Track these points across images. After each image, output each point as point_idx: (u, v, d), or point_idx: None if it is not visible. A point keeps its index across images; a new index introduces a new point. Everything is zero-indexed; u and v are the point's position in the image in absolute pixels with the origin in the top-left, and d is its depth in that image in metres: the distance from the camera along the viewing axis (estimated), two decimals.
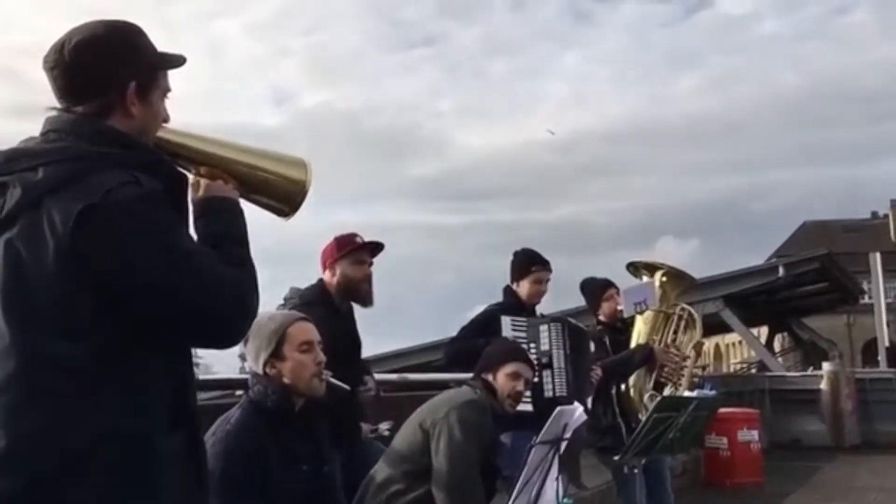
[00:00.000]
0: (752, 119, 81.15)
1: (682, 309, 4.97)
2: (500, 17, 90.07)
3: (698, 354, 4.99)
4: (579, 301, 5.66)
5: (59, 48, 1.72)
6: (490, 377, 3.66)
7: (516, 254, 4.83)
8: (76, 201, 1.56)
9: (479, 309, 4.80)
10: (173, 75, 1.85)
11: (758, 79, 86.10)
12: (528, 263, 4.74)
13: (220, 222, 1.77)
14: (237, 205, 1.83)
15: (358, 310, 4.10)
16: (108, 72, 1.72)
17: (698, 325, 4.95)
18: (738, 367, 29.40)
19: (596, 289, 5.27)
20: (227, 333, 1.70)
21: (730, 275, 15.83)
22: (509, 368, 3.67)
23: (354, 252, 3.95)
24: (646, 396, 4.81)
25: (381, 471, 3.45)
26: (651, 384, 4.85)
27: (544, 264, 4.76)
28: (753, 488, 9.76)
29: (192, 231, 1.76)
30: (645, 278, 5.05)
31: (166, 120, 1.84)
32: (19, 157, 1.67)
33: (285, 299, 4.04)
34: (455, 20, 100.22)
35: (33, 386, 1.57)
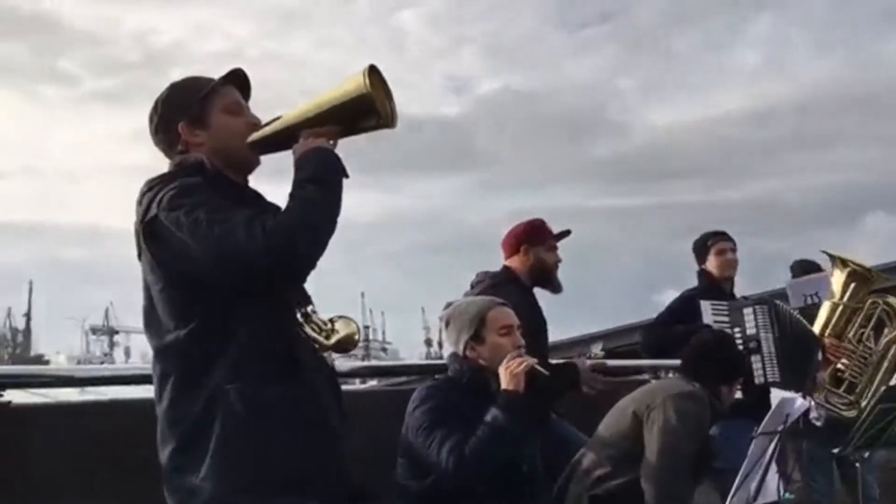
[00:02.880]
0: None
1: (874, 303, 4.50)
2: None
3: None
4: (776, 283, 5.45)
5: None
6: (715, 388, 3.47)
7: (695, 240, 4.82)
8: (144, 221, 1.95)
9: (669, 293, 4.84)
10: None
11: None
12: (705, 240, 4.75)
13: (299, 172, 1.96)
14: (317, 150, 1.98)
15: (542, 295, 4.05)
16: (164, 128, 2.11)
17: None
18: None
19: (808, 268, 5.05)
20: (251, 279, 1.87)
21: None
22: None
23: (549, 238, 3.96)
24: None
25: (586, 456, 3.37)
26: (826, 376, 4.47)
27: (721, 235, 4.74)
28: None
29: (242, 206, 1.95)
30: (836, 271, 4.67)
31: (256, 123, 2.10)
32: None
33: (472, 284, 4.01)
34: None
35: (161, 370, 1.96)
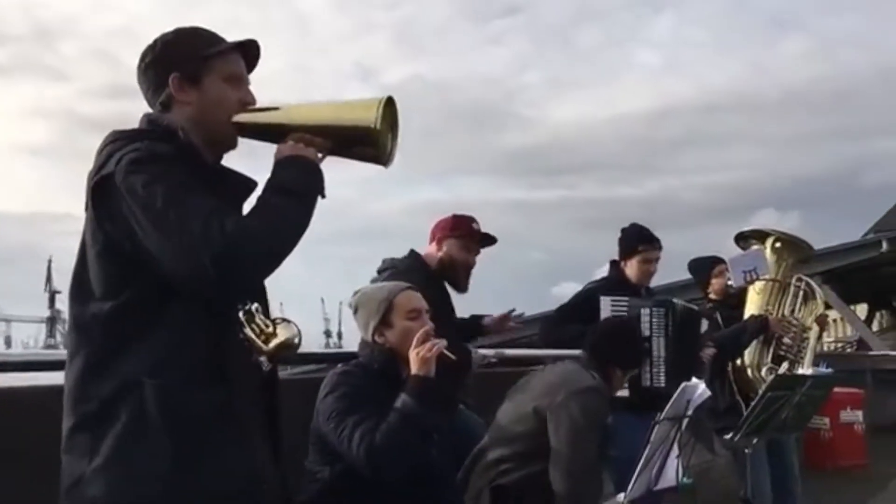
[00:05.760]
0: (861, 86, 78.01)
1: (799, 280, 4.80)
2: None
3: (822, 328, 4.80)
4: (670, 277, 5.54)
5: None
6: (609, 370, 3.58)
7: (624, 230, 4.59)
8: (98, 175, 1.80)
9: (567, 286, 4.79)
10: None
11: (868, 43, 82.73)
12: (636, 241, 4.50)
13: (277, 175, 1.85)
14: (303, 160, 1.88)
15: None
16: (154, 71, 1.95)
17: (819, 296, 4.78)
18: (834, 345, 28.42)
19: (705, 266, 5.05)
20: (195, 280, 1.72)
21: (829, 250, 15.19)
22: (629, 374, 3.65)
23: (468, 236, 3.91)
24: (764, 370, 4.65)
25: (490, 449, 3.39)
26: (769, 357, 4.69)
27: (653, 242, 4.51)
28: (857, 471, 9.35)
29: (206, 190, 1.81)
30: (759, 246, 4.86)
31: (249, 102, 1.96)
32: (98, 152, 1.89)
33: (379, 271, 3.98)
34: None
35: (76, 341, 1.81)
